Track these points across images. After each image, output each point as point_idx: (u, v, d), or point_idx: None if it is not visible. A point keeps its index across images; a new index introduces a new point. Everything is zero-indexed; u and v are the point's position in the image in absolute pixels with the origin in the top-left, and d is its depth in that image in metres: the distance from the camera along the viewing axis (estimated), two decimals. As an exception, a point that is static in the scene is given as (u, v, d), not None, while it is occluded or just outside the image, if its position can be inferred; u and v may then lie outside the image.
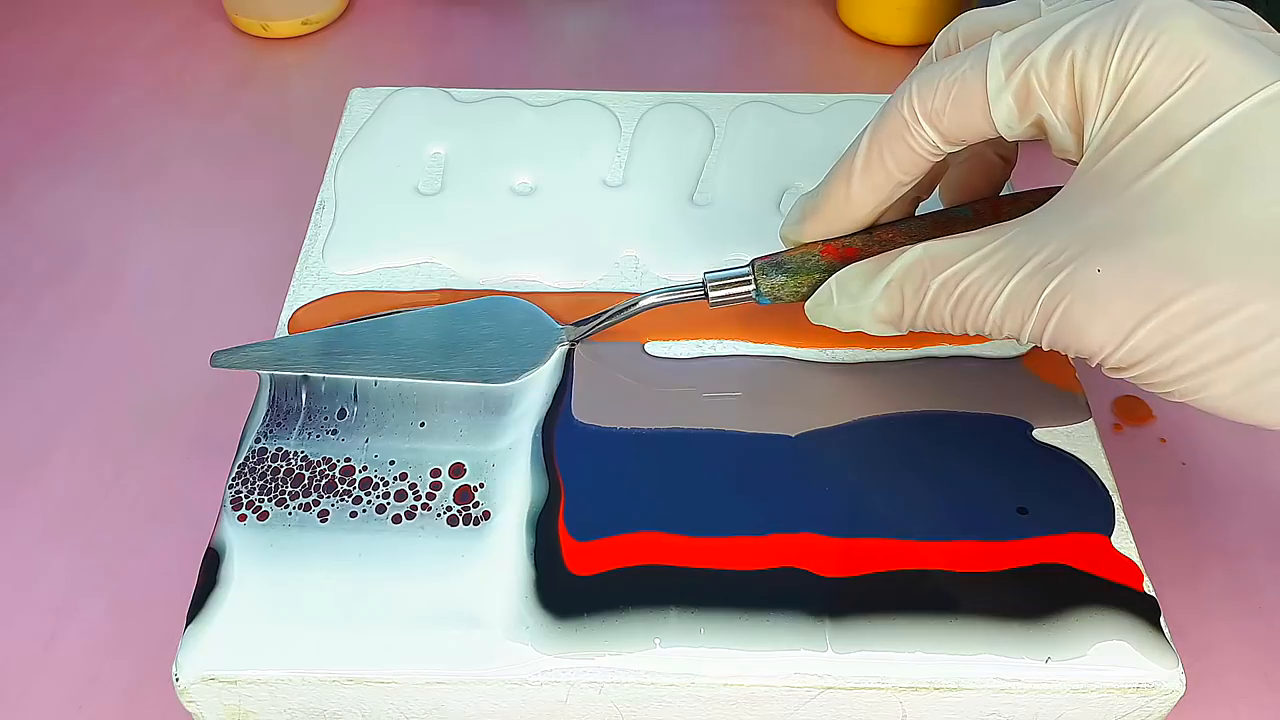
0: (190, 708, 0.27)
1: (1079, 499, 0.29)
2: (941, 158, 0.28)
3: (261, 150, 0.50)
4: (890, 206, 0.30)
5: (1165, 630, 0.27)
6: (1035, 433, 0.31)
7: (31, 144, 0.51)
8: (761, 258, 0.31)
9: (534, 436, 0.30)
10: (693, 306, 0.33)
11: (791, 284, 0.31)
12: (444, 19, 0.58)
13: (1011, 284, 0.25)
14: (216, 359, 0.31)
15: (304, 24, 0.56)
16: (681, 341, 0.33)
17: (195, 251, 0.46)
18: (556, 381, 0.32)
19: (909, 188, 0.29)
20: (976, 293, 0.26)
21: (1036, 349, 0.33)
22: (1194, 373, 0.23)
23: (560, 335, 0.32)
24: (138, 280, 0.44)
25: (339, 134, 0.40)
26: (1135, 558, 0.28)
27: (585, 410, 0.31)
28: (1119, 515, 0.29)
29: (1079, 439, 0.31)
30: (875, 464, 0.30)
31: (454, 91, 0.41)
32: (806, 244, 0.31)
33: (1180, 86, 0.23)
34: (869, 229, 0.30)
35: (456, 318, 0.33)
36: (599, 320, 0.32)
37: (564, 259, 0.35)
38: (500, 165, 0.38)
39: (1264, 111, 0.23)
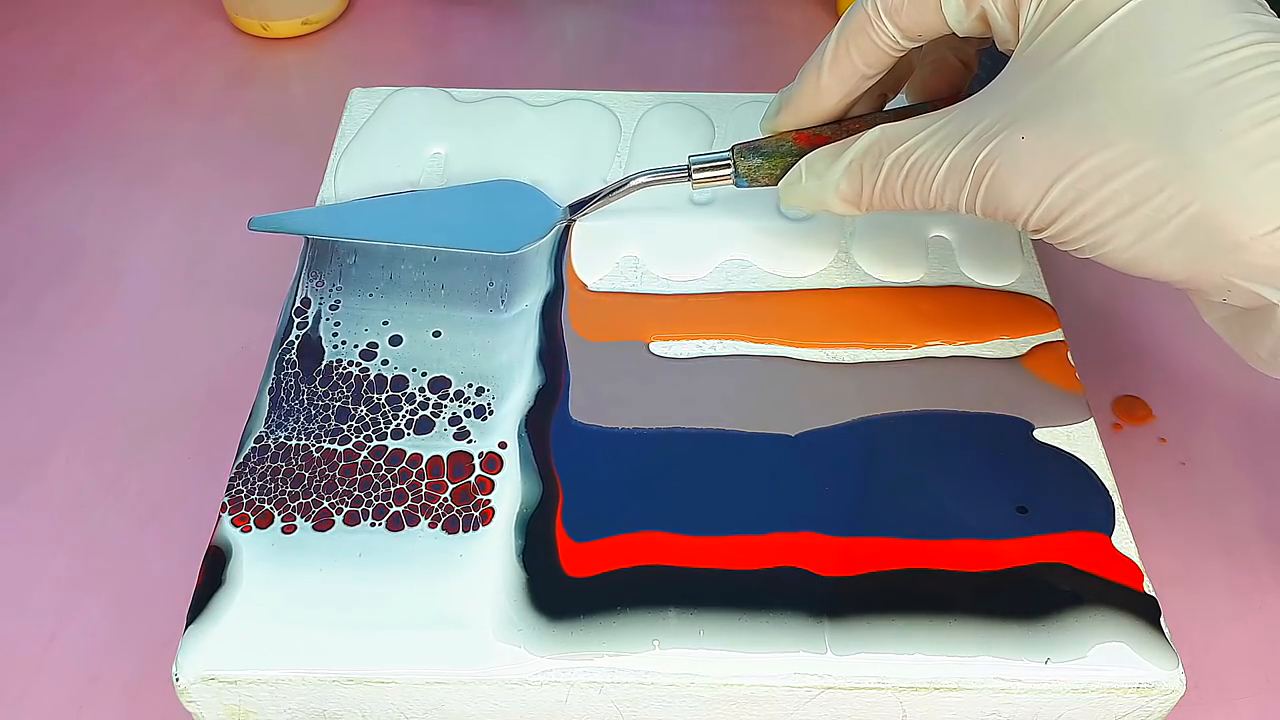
0: (190, 708, 0.27)
1: (1079, 499, 0.29)
2: (903, 52, 0.31)
3: (261, 150, 0.50)
4: (858, 100, 0.33)
5: (1165, 630, 0.27)
6: (1035, 433, 0.31)
7: (31, 144, 0.51)
8: (741, 143, 0.34)
9: (521, 434, 0.30)
10: (695, 305, 0.32)
11: (766, 166, 0.34)
12: (444, 19, 0.58)
13: (951, 155, 0.28)
14: (254, 222, 0.36)
15: (304, 24, 0.56)
16: (682, 341, 0.33)
17: (195, 251, 0.46)
18: (555, 258, 0.35)
19: (873, 81, 0.32)
20: (922, 165, 0.29)
21: (1035, 349, 0.33)
22: (1100, 226, 0.26)
23: (560, 213, 0.36)
24: (138, 280, 0.44)
25: (339, 134, 0.40)
26: (1135, 558, 0.28)
27: (583, 410, 0.31)
28: (1119, 515, 0.29)
29: (1079, 439, 0.31)
30: (875, 464, 0.30)
31: (454, 91, 0.41)
32: (782, 132, 0.34)
33: None
34: (839, 120, 0.33)
35: (470, 195, 0.37)
36: (594, 199, 0.36)
37: (564, 259, 0.35)
38: (500, 165, 0.38)
39: None
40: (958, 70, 0.34)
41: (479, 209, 0.36)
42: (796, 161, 0.33)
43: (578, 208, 0.36)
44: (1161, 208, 0.25)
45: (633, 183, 0.35)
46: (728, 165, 0.34)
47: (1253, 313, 0.27)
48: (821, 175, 0.32)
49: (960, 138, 0.28)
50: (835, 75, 0.32)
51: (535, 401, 0.31)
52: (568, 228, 0.36)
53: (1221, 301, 0.27)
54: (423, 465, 0.30)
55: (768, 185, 0.34)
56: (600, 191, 0.36)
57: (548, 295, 0.34)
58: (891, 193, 0.30)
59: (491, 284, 0.35)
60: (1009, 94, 0.28)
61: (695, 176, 0.34)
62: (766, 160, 0.33)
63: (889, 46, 0.31)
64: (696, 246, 0.36)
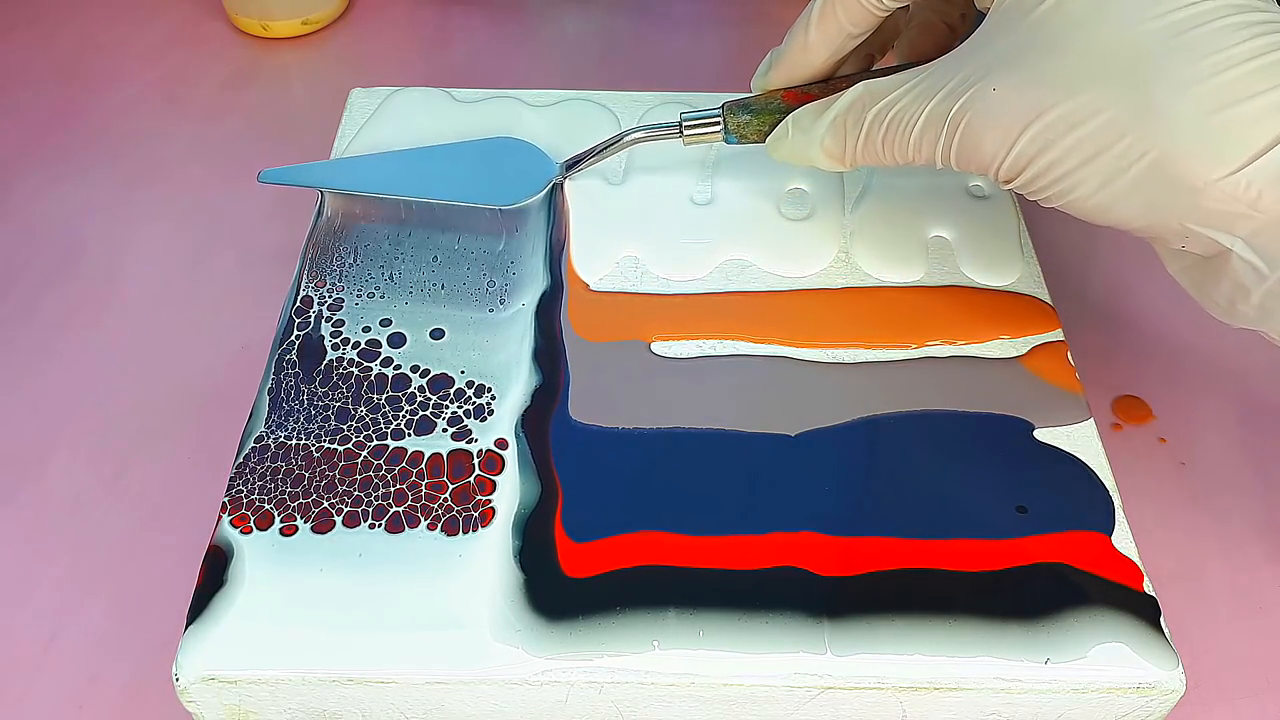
0: (190, 708, 0.27)
1: (1079, 499, 0.29)
2: (887, 13, 0.32)
3: (261, 150, 0.50)
4: (846, 60, 0.34)
5: (1165, 630, 0.27)
6: (1035, 433, 0.31)
7: (31, 144, 0.50)
8: (731, 100, 0.35)
9: (520, 434, 0.30)
10: (695, 305, 0.32)
11: (755, 123, 0.35)
12: (444, 19, 0.58)
13: (928, 108, 0.29)
14: (264, 175, 0.37)
15: (304, 24, 0.56)
16: (682, 341, 0.33)
17: (195, 251, 0.46)
18: (550, 216, 0.36)
19: (859, 40, 0.33)
20: (901, 119, 0.30)
21: (1035, 349, 0.33)
22: (1065, 174, 0.28)
23: (556, 170, 0.37)
24: (138, 280, 0.44)
25: (339, 134, 0.40)
26: (1135, 558, 0.28)
27: (583, 410, 0.31)
28: (1119, 515, 0.29)
29: (1079, 439, 0.31)
30: (875, 464, 0.30)
31: (454, 91, 0.41)
32: (771, 90, 0.35)
33: None
34: (826, 80, 0.34)
35: (472, 151, 0.38)
36: (588, 155, 0.37)
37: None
38: (500, 165, 0.38)
39: None
40: (943, 32, 0.35)
41: (480, 164, 0.38)
42: (784, 118, 0.34)
43: (573, 164, 0.37)
44: (1122, 155, 0.26)
45: (626, 138, 0.36)
46: (718, 122, 0.35)
47: (1211, 261, 0.28)
48: (807, 130, 0.33)
49: (937, 91, 0.29)
50: (822, 34, 0.33)
51: (533, 401, 0.31)
52: (562, 185, 0.37)
53: (1181, 249, 0.28)
54: (422, 465, 0.30)
55: (756, 142, 0.35)
56: (595, 147, 0.37)
57: (545, 295, 0.34)
58: (873, 147, 0.31)
59: (491, 283, 0.35)
60: (983, 48, 0.29)
61: (687, 133, 0.35)
62: (755, 117, 0.35)
63: (873, 6, 0.32)
64: (696, 246, 0.36)
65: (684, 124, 0.35)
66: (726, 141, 0.35)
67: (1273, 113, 0.25)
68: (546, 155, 0.38)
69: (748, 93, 0.36)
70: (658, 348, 0.33)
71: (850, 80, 0.34)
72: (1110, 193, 0.27)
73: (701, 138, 0.35)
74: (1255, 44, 0.25)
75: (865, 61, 0.36)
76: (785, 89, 0.35)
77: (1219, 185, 0.26)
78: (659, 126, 0.36)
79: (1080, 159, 0.27)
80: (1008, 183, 0.29)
